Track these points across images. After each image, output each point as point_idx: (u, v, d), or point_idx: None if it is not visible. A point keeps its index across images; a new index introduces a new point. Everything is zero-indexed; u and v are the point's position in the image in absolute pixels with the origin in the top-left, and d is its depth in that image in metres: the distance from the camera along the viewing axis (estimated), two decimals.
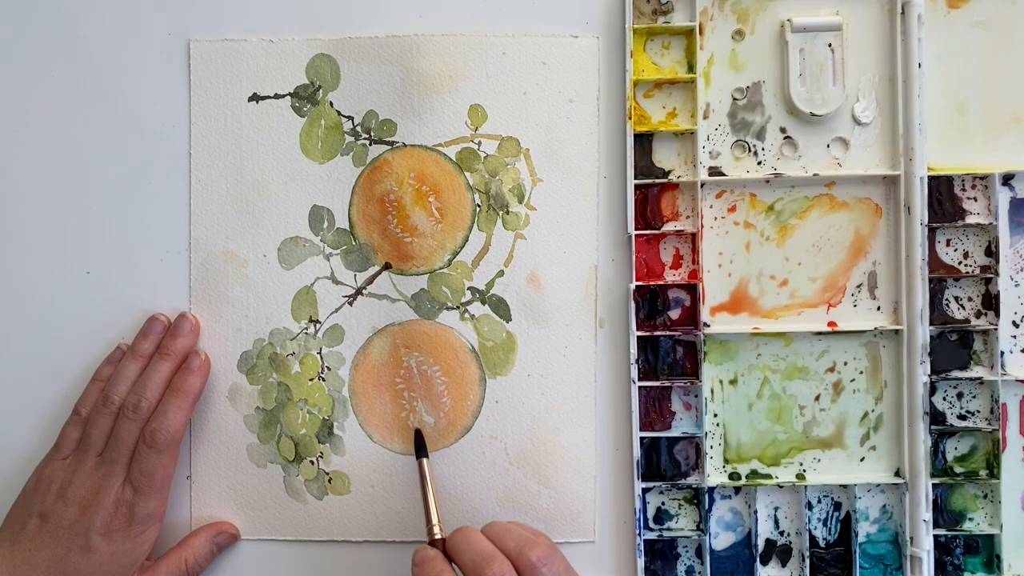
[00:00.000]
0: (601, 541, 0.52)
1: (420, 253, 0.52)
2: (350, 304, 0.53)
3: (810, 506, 0.52)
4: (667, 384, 0.52)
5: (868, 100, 0.52)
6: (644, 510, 0.52)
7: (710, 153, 0.52)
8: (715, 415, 0.52)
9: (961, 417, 0.52)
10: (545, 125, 0.52)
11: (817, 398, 0.52)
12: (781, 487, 0.52)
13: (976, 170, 0.52)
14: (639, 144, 0.52)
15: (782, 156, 0.52)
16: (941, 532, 0.51)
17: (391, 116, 0.52)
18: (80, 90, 0.53)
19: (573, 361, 0.52)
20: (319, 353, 0.53)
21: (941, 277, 0.52)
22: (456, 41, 0.52)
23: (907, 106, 0.51)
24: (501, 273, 0.52)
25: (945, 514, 0.52)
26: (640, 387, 0.51)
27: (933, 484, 0.51)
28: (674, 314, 0.52)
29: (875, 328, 0.51)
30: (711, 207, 0.52)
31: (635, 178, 0.51)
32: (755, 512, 0.52)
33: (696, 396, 0.52)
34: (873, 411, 0.52)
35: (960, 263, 0.52)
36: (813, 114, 0.51)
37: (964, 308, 0.52)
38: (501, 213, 0.52)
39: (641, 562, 0.51)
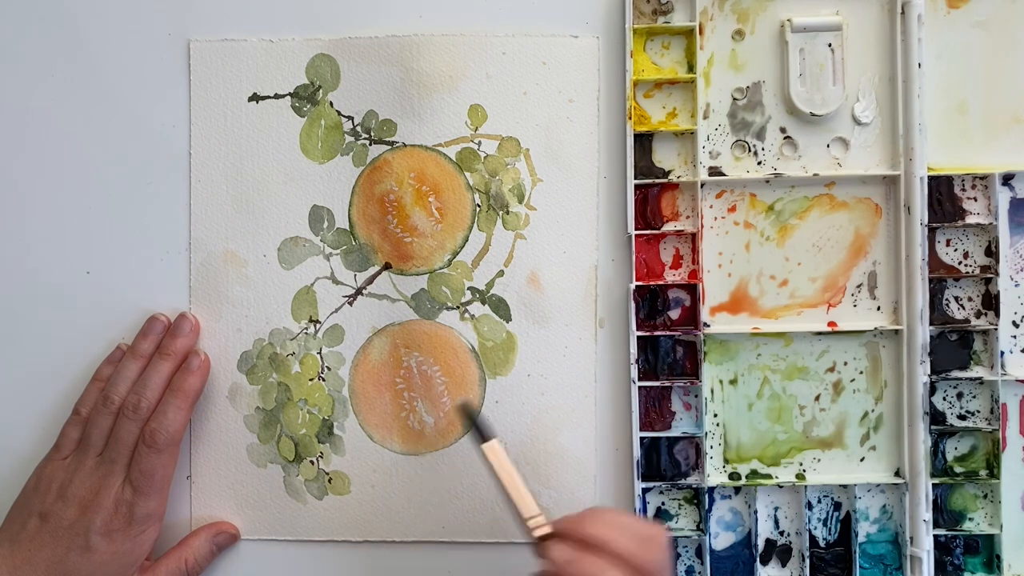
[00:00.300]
0: None
1: (420, 253, 0.52)
2: (350, 304, 0.53)
3: (810, 506, 0.52)
4: (667, 384, 0.52)
5: (868, 100, 0.52)
6: (644, 510, 0.52)
7: (710, 153, 0.52)
8: (715, 415, 0.52)
9: (961, 417, 0.52)
10: (545, 125, 0.52)
11: (817, 398, 0.52)
12: (781, 487, 0.52)
13: (976, 170, 0.52)
14: (639, 144, 0.52)
15: (782, 156, 0.52)
16: (941, 532, 0.51)
17: (391, 116, 0.52)
18: (80, 90, 0.53)
19: (573, 361, 0.52)
20: (319, 353, 0.53)
21: (941, 277, 0.52)
22: (456, 41, 0.52)
23: (907, 106, 0.51)
24: (501, 273, 0.52)
25: (945, 514, 0.52)
26: (640, 387, 0.51)
27: (933, 484, 0.51)
28: (674, 314, 0.52)
29: (875, 328, 0.51)
30: (711, 207, 0.52)
31: (635, 178, 0.51)
32: (755, 512, 0.52)
33: (696, 396, 0.52)
34: (873, 411, 0.52)
35: (960, 263, 0.52)
36: (813, 114, 0.51)
37: (964, 308, 0.52)
38: (501, 213, 0.52)
39: None
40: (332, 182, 0.53)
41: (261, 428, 0.53)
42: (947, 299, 0.52)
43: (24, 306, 0.53)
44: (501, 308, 0.52)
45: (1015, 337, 0.52)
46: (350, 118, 0.53)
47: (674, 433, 0.52)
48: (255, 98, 0.53)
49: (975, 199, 0.52)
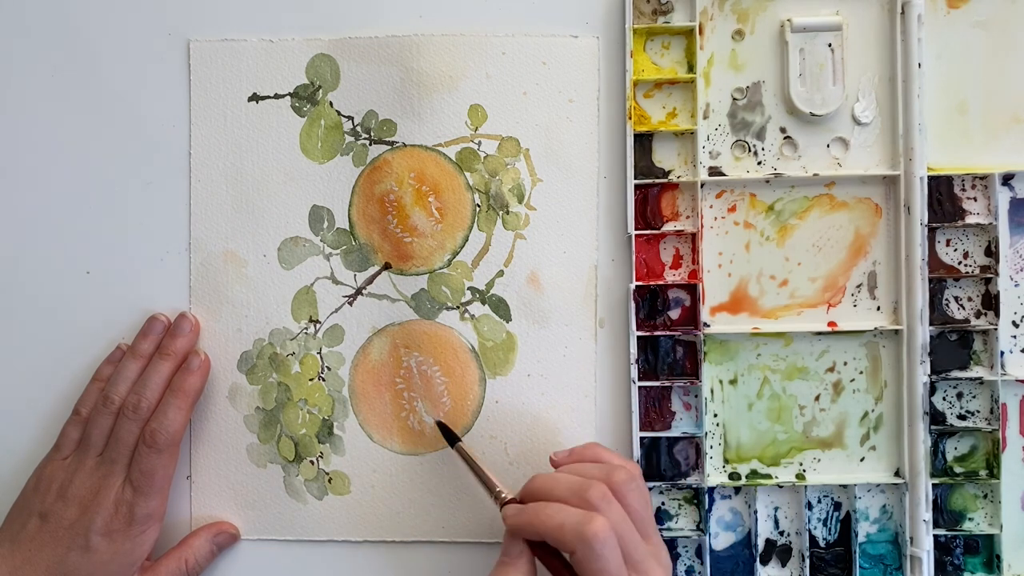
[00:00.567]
0: None
1: (420, 253, 0.52)
2: (350, 304, 0.53)
3: (810, 506, 0.52)
4: (667, 384, 0.52)
5: (868, 100, 0.52)
6: None
7: (710, 153, 0.52)
8: (715, 415, 0.52)
9: (961, 417, 0.52)
10: (545, 125, 0.52)
11: (817, 398, 0.52)
12: (781, 487, 0.52)
13: (976, 170, 0.52)
14: (639, 144, 0.52)
15: (782, 156, 0.52)
16: (941, 532, 0.51)
17: (391, 116, 0.52)
18: (80, 90, 0.53)
19: (573, 361, 0.52)
20: (319, 353, 0.53)
21: (941, 277, 0.52)
22: (456, 41, 0.52)
23: (907, 106, 0.51)
24: (501, 273, 0.52)
25: (945, 514, 0.52)
26: (640, 387, 0.51)
27: (933, 484, 0.51)
28: (674, 314, 0.52)
29: (875, 328, 0.51)
30: (711, 207, 0.52)
31: (635, 178, 0.51)
32: (755, 512, 0.52)
33: (696, 396, 0.52)
34: (873, 411, 0.52)
35: (960, 263, 0.52)
36: (813, 114, 0.51)
37: (964, 308, 0.52)
38: (501, 213, 0.52)
39: None
40: (332, 182, 0.53)
41: (261, 428, 0.53)
42: (947, 299, 0.52)
43: (24, 306, 0.53)
44: (501, 308, 0.52)
45: (1015, 337, 0.52)
46: (350, 118, 0.53)
47: (674, 433, 0.52)
48: (255, 98, 0.53)
49: (975, 199, 0.52)
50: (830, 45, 0.51)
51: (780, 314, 0.52)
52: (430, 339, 0.52)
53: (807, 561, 0.51)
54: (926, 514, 0.50)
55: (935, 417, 0.52)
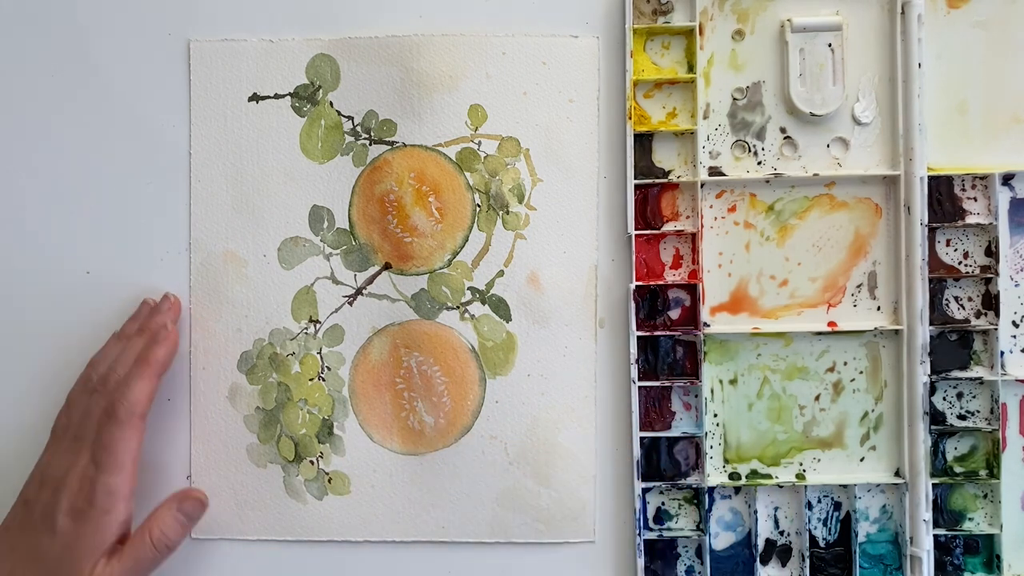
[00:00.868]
0: (601, 541, 0.52)
1: (420, 253, 0.52)
2: (350, 304, 0.53)
3: (810, 506, 0.52)
4: (667, 384, 0.52)
5: (868, 100, 0.52)
6: (644, 510, 0.52)
7: (710, 153, 0.52)
8: (715, 415, 0.52)
9: (961, 417, 0.52)
10: (545, 125, 0.52)
11: (817, 398, 0.52)
12: (781, 487, 0.52)
13: (976, 170, 0.52)
14: (639, 144, 0.52)
15: (782, 156, 0.52)
16: (941, 532, 0.51)
17: (391, 116, 0.52)
18: (80, 90, 0.53)
19: (573, 361, 0.52)
20: (319, 353, 0.53)
21: (941, 277, 0.52)
22: (456, 41, 0.52)
23: (907, 106, 0.51)
24: (501, 273, 0.52)
25: (945, 514, 0.52)
26: (640, 387, 0.51)
27: (933, 484, 0.51)
28: (674, 314, 0.52)
29: (875, 328, 0.51)
30: (711, 207, 0.52)
31: (635, 178, 0.51)
32: (755, 512, 0.52)
33: (696, 396, 0.52)
34: (873, 411, 0.52)
35: (960, 263, 0.52)
36: (813, 114, 0.51)
37: (964, 308, 0.52)
38: (501, 213, 0.52)
39: (641, 562, 0.51)
40: (332, 182, 0.53)
41: (261, 428, 0.53)
42: (947, 299, 0.52)
43: (24, 306, 0.53)
44: (501, 308, 0.52)
45: (1015, 337, 0.52)
46: (350, 118, 0.53)
47: (674, 433, 0.52)
48: (255, 98, 0.53)
49: (975, 199, 0.52)
50: (830, 45, 0.51)
51: (780, 314, 0.52)
52: (430, 339, 0.52)
53: (807, 561, 0.51)
54: (926, 514, 0.50)
55: (935, 417, 0.52)
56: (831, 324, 0.52)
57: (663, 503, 0.52)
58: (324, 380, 0.53)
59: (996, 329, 0.51)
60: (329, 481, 0.53)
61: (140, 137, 0.53)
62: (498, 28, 0.52)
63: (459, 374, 0.52)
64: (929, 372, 0.51)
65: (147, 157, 0.53)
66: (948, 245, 0.52)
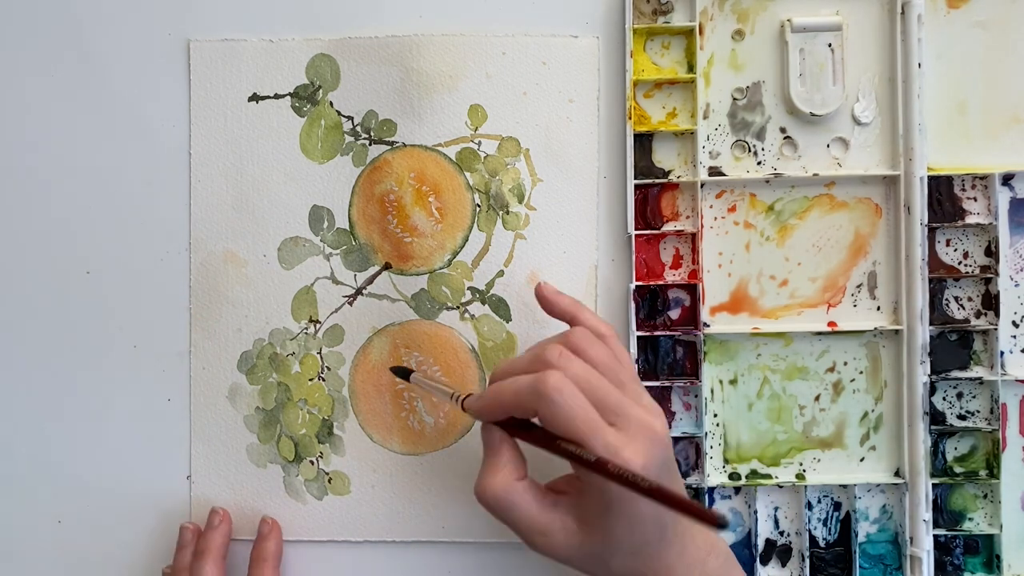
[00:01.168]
0: None
1: (420, 253, 0.52)
2: (350, 304, 0.53)
3: (810, 506, 0.52)
4: (667, 384, 0.52)
5: (868, 100, 0.52)
6: None
7: (710, 153, 0.52)
8: (715, 415, 0.52)
9: (961, 417, 0.52)
10: (545, 125, 0.52)
11: (817, 398, 0.52)
12: (781, 487, 0.52)
13: (976, 170, 0.52)
14: (639, 144, 0.52)
15: (782, 156, 0.52)
16: (941, 532, 0.51)
17: (391, 116, 0.52)
18: (80, 90, 0.53)
19: None
20: (319, 353, 0.53)
21: (941, 277, 0.52)
22: (456, 41, 0.52)
23: (907, 106, 0.51)
24: (501, 273, 0.52)
25: (945, 514, 0.52)
26: None
27: (933, 484, 0.51)
28: (674, 314, 0.52)
29: (875, 328, 0.51)
30: (711, 207, 0.52)
31: (635, 178, 0.51)
32: (755, 512, 0.52)
33: (696, 396, 0.52)
34: (873, 411, 0.52)
35: (960, 263, 0.52)
36: (813, 114, 0.51)
37: (964, 308, 0.52)
38: (501, 213, 0.52)
39: None
40: (332, 182, 0.53)
41: (261, 428, 0.53)
42: (947, 299, 0.52)
43: (24, 306, 0.53)
44: (501, 308, 0.52)
45: (1015, 337, 0.52)
46: (350, 118, 0.53)
47: (674, 433, 0.52)
48: (255, 98, 0.53)
49: (975, 199, 0.52)
50: (830, 45, 0.51)
51: (780, 314, 0.52)
52: (430, 339, 0.52)
53: (807, 561, 0.51)
54: (926, 514, 0.50)
55: (935, 417, 0.52)
56: (831, 324, 0.52)
57: None
58: (324, 380, 0.53)
59: (996, 329, 0.51)
60: (329, 481, 0.53)
61: (140, 137, 0.53)
62: (498, 28, 0.52)
63: (459, 374, 0.52)
64: (929, 372, 0.51)
65: (147, 157, 0.53)
66: (948, 245, 0.52)
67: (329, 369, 0.53)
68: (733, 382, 0.52)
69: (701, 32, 0.52)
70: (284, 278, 0.53)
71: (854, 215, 0.52)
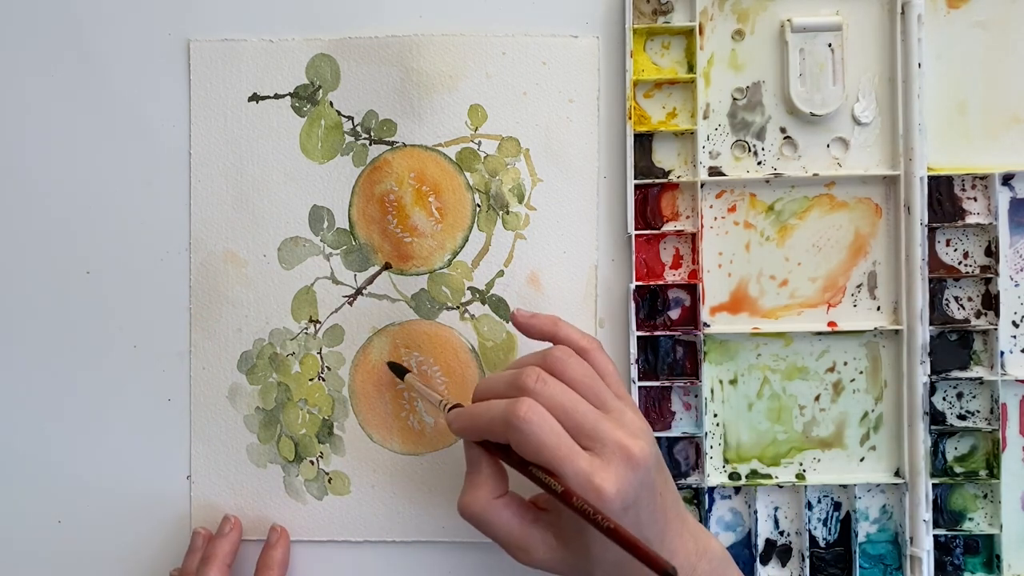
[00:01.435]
0: None
1: (420, 253, 0.52)
2: (350, 304, 0.53)
3: (810, 506, 0.52)
4: (667, 384, 0.52)
5: (868, 100, 0.52)
6: None
7: (710, 153, 0.52)
8: (715, 415, 0.52)
9: (961, 417, 0.52)
10: (545, 125, 0.52)
11: (817, 398, 0.52)
12: (781, 487, 0.52)
13: (976, 170, 0.52)
14: (639, 144, 0.52)
15: (782, 156, 0.52)
16: (941, 532, 0.51)
17: (391, 116, 0.52)
18: (80, 90, 0.53)
19: None
20: (319, 353, 0.53)
21: (941, 277, 0.52)
22: (456, 41, 0.52)
23: (907, 106, 0.51)
24: (501, 273, 0.52)
25: (945, 514, 0.52)
26: (640, 387, 0.51)
27: (933, 484, 0.51)
28: (674, 314, 0.52)
29: (875, 328, 0.51)
30: (711, 207, 0.52)
31: (635, 178, 0.51)
32: (755, 512, 0.52)
33: (696, 396, 0.52)
34: (873, 411, 0.52)
35: (960, 263, 0.52)
36: (813, 114, 0.51)
37: (964, 308, 0.52)
38: (501, 213, 0.52)
39: None
40: (332, 182, 0.53)
41: (261, 428, 0.53)
42: (947, 299, 0.52)
43: (24, 306, 0.53)
44: (501, 308, 0.52)
45: (1015, 337, 0.52)
46: (350, 118, 0.53)
47: (674, 433, 0.52)
48: (255, 98, 0.53)
49: (975, 199, 0.52)
50: (830, 45, 0.51)
51: (780, 314, 0.52)
52: (430, 339, 0.52)
53: (807, 561, 0.51)
54: (926, 514, 0.50)
55: (935, 417, 0.52)
56: (831, 324, 0.52)
57: None
58: (324, 380, 0.53)
59: (996, 329, 0.51)
60: (329, 481, 0.53)
61: (140, 137, 0.53)
62: (498, 28, 0.52)
63: (459, 374, 0.52)
64: (929, 372, 0.51)
65: (147, 157, 0.53)
66: (948, 245, 0.52)
67: (329, 369, 0.53)
68: (733, 382, 0.52)
69: (701, 32, 0.52)
70: (284, 278, 0.53)
71: (854, 215, 0.52)
